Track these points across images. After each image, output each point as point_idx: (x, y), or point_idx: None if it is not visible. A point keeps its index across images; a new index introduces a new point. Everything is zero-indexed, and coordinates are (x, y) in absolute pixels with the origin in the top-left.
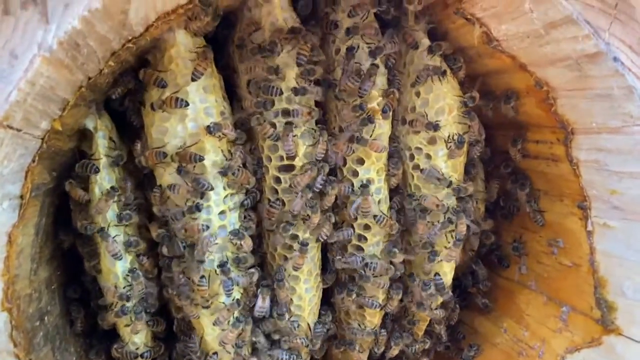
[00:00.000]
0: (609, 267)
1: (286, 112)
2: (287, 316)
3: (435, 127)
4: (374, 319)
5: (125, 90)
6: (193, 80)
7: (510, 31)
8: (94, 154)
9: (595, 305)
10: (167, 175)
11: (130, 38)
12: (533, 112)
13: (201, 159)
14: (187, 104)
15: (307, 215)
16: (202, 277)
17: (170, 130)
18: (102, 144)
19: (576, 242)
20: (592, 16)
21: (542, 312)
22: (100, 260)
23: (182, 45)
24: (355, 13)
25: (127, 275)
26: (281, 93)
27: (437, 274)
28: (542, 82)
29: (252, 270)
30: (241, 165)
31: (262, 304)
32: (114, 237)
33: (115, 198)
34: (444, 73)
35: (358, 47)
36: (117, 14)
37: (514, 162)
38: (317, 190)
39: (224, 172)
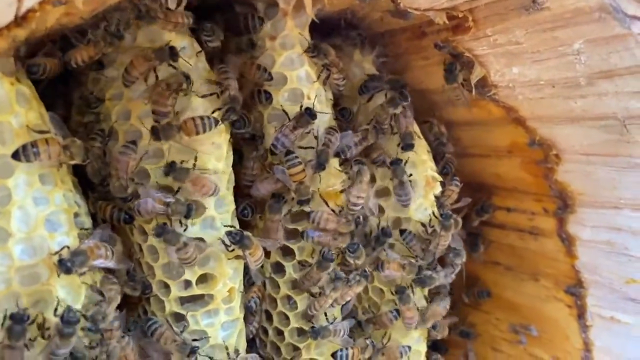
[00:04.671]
0: None
1: None
2: None
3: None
4: None
5: None
6: (16, 158)
7: (524, 77)
8: None
9: None
10: None
11: None
12: (511, 175)
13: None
14: None
15: None
16: None
17: None
18: None
19: (560, 333)
20: None
21: None
22: None
23: None
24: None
25: None
26: None
27: None
28: (544, 141)
29: None
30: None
31: None
32: None
33: None
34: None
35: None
36: None
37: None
38: None
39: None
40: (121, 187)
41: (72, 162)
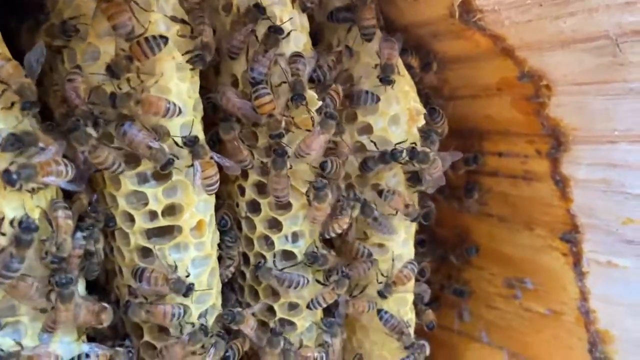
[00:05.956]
0: (614, 317)
1: None
2: None
3: None
4: None
5: None
6: None
7: None
8: None
9: None
10: None
11: None
12: (502, 115)
13: None
14: None
15: None
16: None
17: None
18: None
19: (556, 284)
20: None
21: None
22: None
23: None
24: None
25: None
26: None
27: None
28: (534, 72)
29: None
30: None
31: None
32: None
33: None
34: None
35: None
36: None
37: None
38: None
39: None
40: (84, 113)
41: (14, 98)
